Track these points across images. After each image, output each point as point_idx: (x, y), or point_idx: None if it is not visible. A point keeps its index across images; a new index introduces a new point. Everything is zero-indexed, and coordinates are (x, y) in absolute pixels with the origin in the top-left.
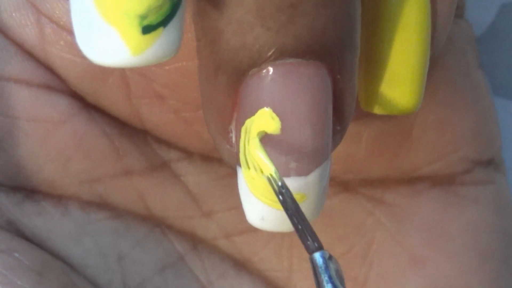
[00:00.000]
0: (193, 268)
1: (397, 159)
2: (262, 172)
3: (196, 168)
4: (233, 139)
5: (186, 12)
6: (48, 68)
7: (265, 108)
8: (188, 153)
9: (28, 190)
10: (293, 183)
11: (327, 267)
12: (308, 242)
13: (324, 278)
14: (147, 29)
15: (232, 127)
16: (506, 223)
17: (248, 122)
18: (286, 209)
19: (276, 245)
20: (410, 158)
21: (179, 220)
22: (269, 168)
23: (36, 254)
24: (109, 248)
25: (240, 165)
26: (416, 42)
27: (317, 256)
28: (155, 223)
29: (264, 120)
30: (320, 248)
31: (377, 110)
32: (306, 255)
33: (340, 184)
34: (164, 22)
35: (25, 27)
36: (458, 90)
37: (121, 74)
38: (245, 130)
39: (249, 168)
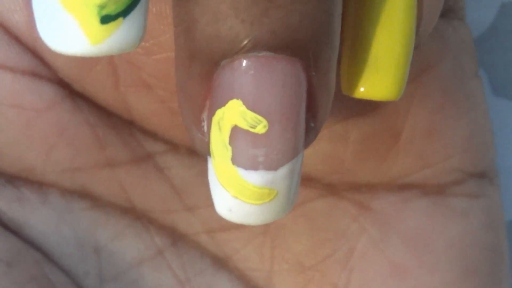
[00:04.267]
0: (171, 263)
1: (385, 163)
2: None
3: (181, 162)
4: (205, 128)
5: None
6: (35, 54)
7: (235, 99)
8: (174, 146)
9: (8, 176)
10: (261, 177)
11: None
12: None
13: None
14: (106, 19)
15: (204, 116)
16: (495, 239)
17: (219, 112)
18: None
19: (257, 244)
20: (398, 163)
21: (161, 214)
22: None
23: (8, 243)
24: (87, 238)
25: (210, 155)
26: (401, 29)
27: None
28: (136, 215)
29: (234, 112)
30: None
31: (358, 94)
32: (288, 256)
33: (326, 187)
34: (124, 13)
35: (13, 12)
36: (450, 98)
37: (109, 61)
38: (216, 120)
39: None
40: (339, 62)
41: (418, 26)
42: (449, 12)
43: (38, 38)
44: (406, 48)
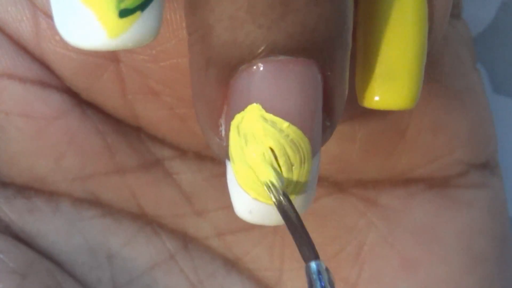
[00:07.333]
0: (183, 267)
1: (391, 159)
2: (259, 178)
3: (189, 166)
4: (223, 132)
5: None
6: (42, 63)
7: (254, 103)
8: (182, 151)
9: (19, 186)
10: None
11: (321, 276)
12: (305, 251)
13: (317, 286)
14: (124, 13)
15: (222, 120)
16: (500, 227)
17: (238, 116)
18: (285, 218)
19: (267, 245)
20: (404, 159)
21: (171, 219)
22: (270, 175)
23: (22, 254)
24: (99, 245)
25: (228, 159)
26: (413, 36)
27: (313, 265)
28: (147, 221)
29: (254, 116)
30: (316, 257)
31: (374, 105)
32: (298, 255)
33: (333, 185)
34: (142, 6)
35: (20, 22)
36: (453, 92)
37: (116, 69)
38: (234, 124)
39: (237, 161)
40: (353, 72)
41: (429, 32)
42: None
43: (45, 47)
44: (419, 55)
